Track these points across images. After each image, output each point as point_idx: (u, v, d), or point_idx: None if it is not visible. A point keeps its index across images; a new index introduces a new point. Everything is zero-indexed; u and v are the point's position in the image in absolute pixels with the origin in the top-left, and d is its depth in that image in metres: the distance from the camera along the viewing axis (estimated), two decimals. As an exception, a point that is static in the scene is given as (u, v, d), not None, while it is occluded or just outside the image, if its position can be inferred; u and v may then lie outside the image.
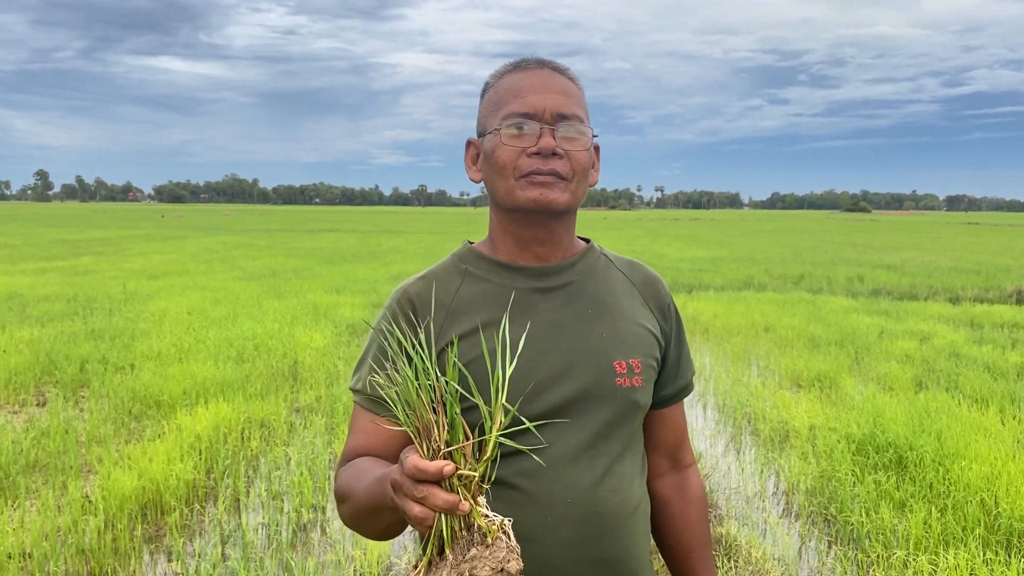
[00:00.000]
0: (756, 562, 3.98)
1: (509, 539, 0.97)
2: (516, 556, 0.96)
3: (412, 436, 0.99)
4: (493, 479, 1.03)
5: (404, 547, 4.15)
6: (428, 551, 1.00)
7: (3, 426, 5.72)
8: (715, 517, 4.56)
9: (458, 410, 0.98)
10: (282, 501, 4.70)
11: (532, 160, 1.23)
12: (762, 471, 5.32)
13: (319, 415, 6.23)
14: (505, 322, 1.21)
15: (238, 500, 4.69)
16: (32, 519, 4.19)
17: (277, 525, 4.38)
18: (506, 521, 0.99)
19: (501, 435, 1.00)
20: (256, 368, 7.48)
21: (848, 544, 4.21)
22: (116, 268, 18.30)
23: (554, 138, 1.24)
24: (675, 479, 1.46)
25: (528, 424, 1.15)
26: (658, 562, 3.06)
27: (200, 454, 5.13)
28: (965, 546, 3.87)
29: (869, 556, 3.99)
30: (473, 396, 1.03)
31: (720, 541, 4.19)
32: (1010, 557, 3.78)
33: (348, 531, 4.33)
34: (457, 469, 0.95)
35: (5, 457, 4.94)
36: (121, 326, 9.51)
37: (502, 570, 0.95)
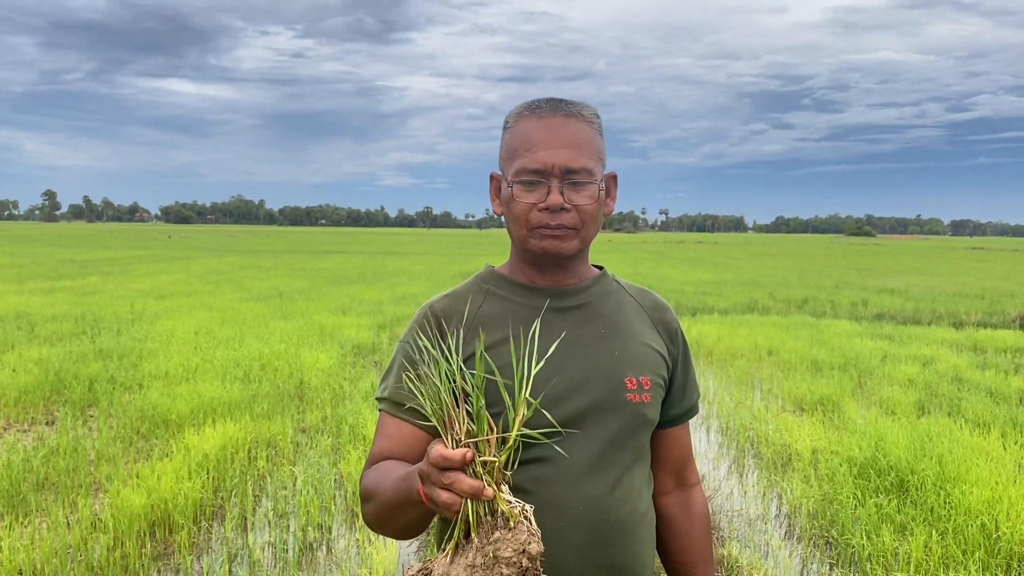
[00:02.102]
0: (758, 584, 4.02)
1: (530, 523, 1.05)
2: (537, 539, 1.04)
3: (439, 428, 1.08)
4: (514, 469, 1.11)
5: (411, 566, 4.19)
6: (455, 535, 1.08)
7: (13, 444, 5.79)
8: (717, 539, 4.59)
9: (483, 403, 1.06)
10: (288, 520, 4.74)
11: (542, 215, 1.32)
12: (764, 494, 5.35)
13: (325, 435, 6.28)
14: (537, 326, 1.31)
15: (245, 519, 4.74)
16: (42, 536, 4.24)
17: (284, 544, 4.42)
18: (527, 507, 1.07)
19: (523, 427, 1.08)
20: (263, 388, 7.54)
21: (849, 567, 4.24)
22: (123, 288, 18.41)
23: (562, 193, 1.31)
24: (680, 497, 1.54)
25: (550, 419, 1.23)
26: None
27: (208, 473, 5.18)
28: (965, 569, 3.90)
29: (870, 579, 4.02)
30: (498, 388, 1.11)
31: (722, 563, 4.22)
32: (1010, 580, 3.81)
33: (354, 551, 4.37)
34: (478, 456, 1.03)
35: (16, 474, 5.00)
36: (129, 346, 9.58)
37: (524, 551, 1.02)
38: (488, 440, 1.05)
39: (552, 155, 1.31)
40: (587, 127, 1.36)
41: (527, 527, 1.04)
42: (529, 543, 1.03)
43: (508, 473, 1.08)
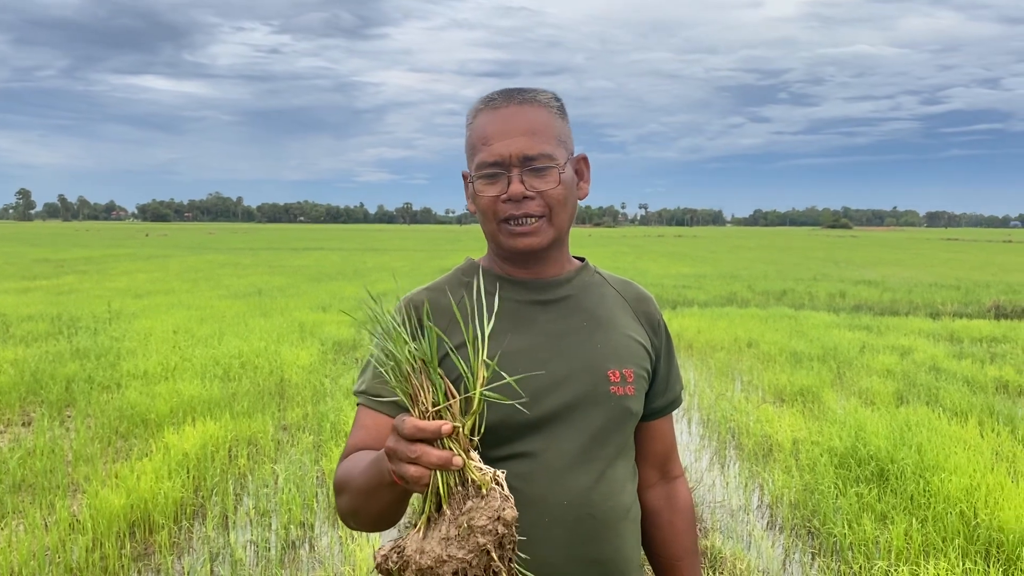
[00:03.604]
0: (741, 575, 4.04)
1: (503, 488, 1.03)
2: (510, 505, 1.02)
3: (406, 401, 1.06)
4: (481, 433, 1.09)
5: (383, 546, 4.17)
6: (426, 509, 1.05)
7: (-11, 446, 5.71)
8: (700, 530, 4.61)
9: (441, 373, 1.04)
10: (270, 518, 4.71)
11: (506, 206, 1.31)
12: (746, 484, 5.38)
13: (306, 433, 6.24)
14: (479, 281, 1.31)
15: (226, 518, 4.70)
16: (19, 538, 4.19)
17: (266, 543, 4.39)
18: (499, 473, 1.05)
19: (500, 412, 1.06)
20: (243, 386, 7.48)
21: (831, 556, 4.27)
22: (100, 287, 18.21)
23: (523, 182, 1.29)
24: (664, 490, 1.52)
25: (508, 379, 1.19)
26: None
27: (188, 472, 5.13)
28: (945, 556, 3.94)
29: (852, 567, 4.05)
30: (463, 376, 1.10)
31: (705, 554, 4.24)
32: (989, 567, 3.85)
33: (337, 548, 4.35)
34: (428, 417, 1.01)
35: (-8, 477, 4.93)
36: (106, 345, 9.48)
37: (498, 518, 1.00)
38: (451, 407, 1.03)
39: (507, 145, 1.29)
40: (544, 112, 1.33)
41: (500, 493, 1.02)
42: (503, 509, 1.01)
43: (475, 439, 1.06)
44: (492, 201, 1.31)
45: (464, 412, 1.05)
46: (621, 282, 1.50)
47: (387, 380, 1.10)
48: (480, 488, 1.02)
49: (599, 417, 1.33)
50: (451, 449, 1.01)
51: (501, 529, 1.00)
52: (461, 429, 1.03)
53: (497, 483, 1.03)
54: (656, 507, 1.51)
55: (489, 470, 1.04)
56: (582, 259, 1.49)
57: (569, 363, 1.34)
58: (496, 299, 1.31)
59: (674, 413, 1.55)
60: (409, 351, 1.06)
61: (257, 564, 4.15)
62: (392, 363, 1.08)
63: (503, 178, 1.30)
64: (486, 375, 1.07)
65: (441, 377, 1.05)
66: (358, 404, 1.37)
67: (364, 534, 4.29)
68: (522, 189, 1.29)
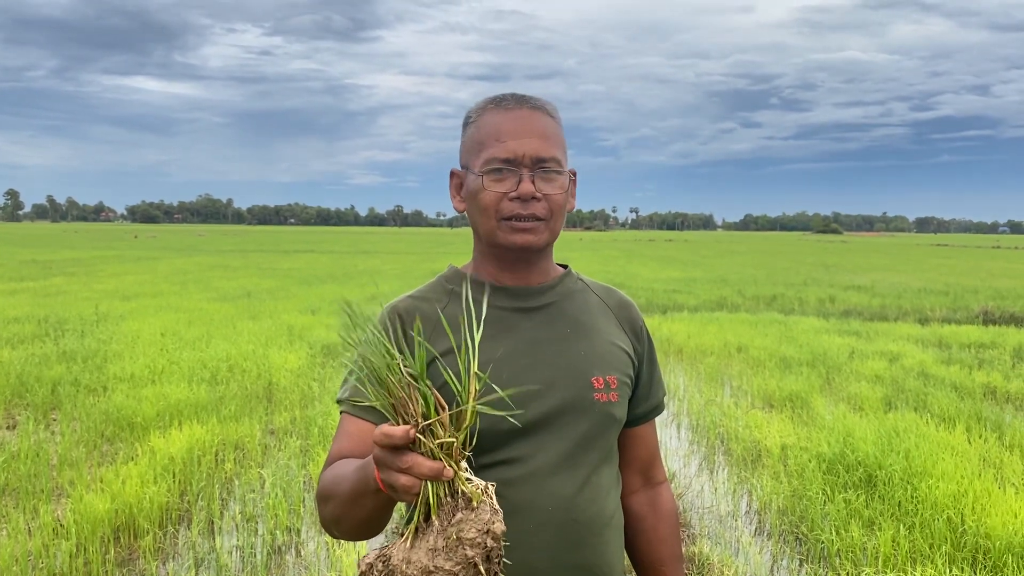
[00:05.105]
0: (729, 581, 4.03)
1: (492, 501, 1.02)
2: (500, 518, 1.01)
3: (387, 412, 1.04)
4: (473, 446, 1.08)
5: (367, 555, 4.15)
6: (415, 518, 1.04)
7: (-28, 449, 5.65)
8: (688, 536, 4.61)
9: (429, 384, 1.03)
10: (256, 524, 4.68)
11: (512, 204, 1.31)
12: (735, 490, 5.38)
13: (294, 437, 6.21)
14: (467, 290, 1.29)
15: (212, 523, 4.67)
16: (2, 543, 4.14)
17: (252, 548, 4.36)
18: (489, 485, 1.04)
19: (481, 412, 1.05)
20: (230, 390, 7.44)
21: (819, 562, 4.27)
22: (88, 289, 18.11)
23: (533, 183, 1.30)
24: (648, 496, 1.52)
25: (501, 393, 1.18)
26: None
27: (174, 477, 5.09)
28: (932, 563, 3.94)
29: (839, 574, 4.05)
30: (450, 386, 1.08)
31: (693, 560, 4.24)
32: (975, 573, 3.86)
33: (323, 553, 4.32)
34: (432, 439, 1.00)
35: (-25, 481, 4.89)
36: (93, 348, 9.42)
37: (488, 531, 1.00)
38: (441, 420, 1.02)
39: (522, 144, 1.30)
40: (552, 121, 1.36)
41: (490, 505, 1.02)
42: (493, 522, 1.00)
43: (467, 452, 1.05)
44: (498, 198, 1.31)
45: (454, 423, 1.04)
46: (604, 288, 1.51)
47: (382, 404, 1.09)
48: (470, 500, 1.01)
49: (583, 424, 1.34)
50: (443, 460, 1.00)
51: (490, 543, 1.00)
52: (455, 442, 1.02)
53: (487, 496, 1.03)
54: (640, 513, 1.51)
55: (480, 483, 1.03)
56: (565, 266, 1.50)
57: (552, 370, 1.34)
58: (484, 307, 1.30)
59: (663, 418, 1.54)
60: (396, 363, 1.05)
61: (243, 570, 4.13)
62: (374, 373, 1.06)
63: (513, 176, 1.30)
64: (478, 388, 1.06)
65: (430, 389, 1.03)
66: (341, 412, 1.36)
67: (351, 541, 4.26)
68: (532, 189, 1.30)
